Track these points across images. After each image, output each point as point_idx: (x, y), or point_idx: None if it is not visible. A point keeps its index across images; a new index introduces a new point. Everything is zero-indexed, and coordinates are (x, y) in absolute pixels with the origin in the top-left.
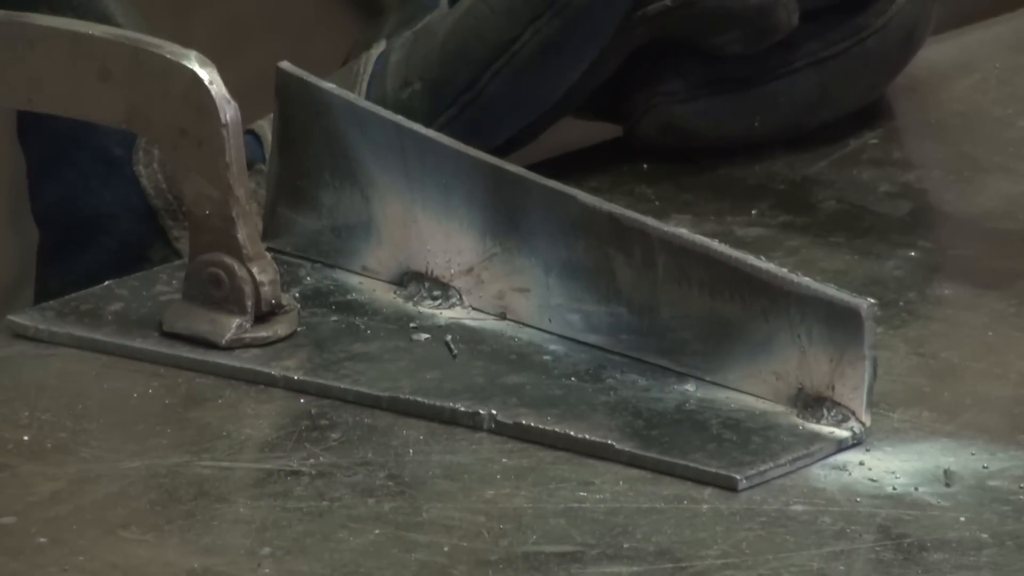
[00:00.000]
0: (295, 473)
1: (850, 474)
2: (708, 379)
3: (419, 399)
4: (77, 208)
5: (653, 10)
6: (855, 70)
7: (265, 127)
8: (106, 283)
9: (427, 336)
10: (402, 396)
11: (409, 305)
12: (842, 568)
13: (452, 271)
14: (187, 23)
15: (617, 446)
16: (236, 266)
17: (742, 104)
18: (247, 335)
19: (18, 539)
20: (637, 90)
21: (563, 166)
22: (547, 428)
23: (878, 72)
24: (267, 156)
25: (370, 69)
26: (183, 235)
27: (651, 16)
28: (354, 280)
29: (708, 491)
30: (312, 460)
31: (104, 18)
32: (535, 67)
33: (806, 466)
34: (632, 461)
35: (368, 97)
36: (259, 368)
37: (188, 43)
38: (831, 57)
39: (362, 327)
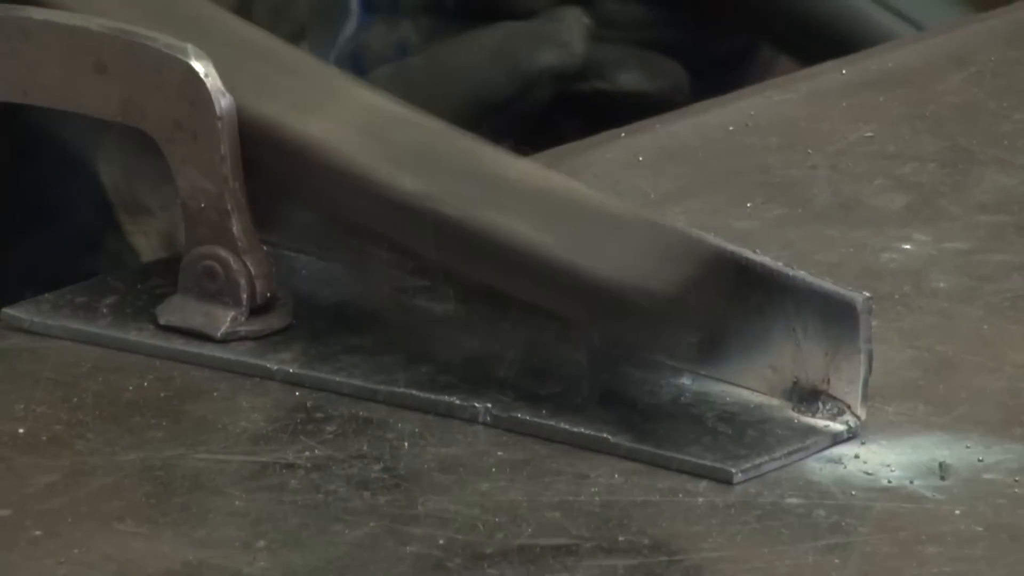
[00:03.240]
0: (290, 466)
1: (845, 467)
2: (703, 372)
3: (415, 392)
4: (37, 198)
5: None
6: None
7: None
8: (100, 275)
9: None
10: (398, 389)
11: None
12: (837, 561)
13: None
14: None
15: (612, 439)
16: (231, 259)
17: None
18: (242, 328)
19: (13, 532)
20: None
21: (557, 160)
22: (542, 421)
23: None
24: None
25: None
26: (135, 230)
27: None
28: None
29: (703, 484)
30: (307, 453)
31: None
32: None
33: (801, 459)
34: (627, 454)
35: None
36: (254, 361)
37: None
38: None
39: (358, 319)
